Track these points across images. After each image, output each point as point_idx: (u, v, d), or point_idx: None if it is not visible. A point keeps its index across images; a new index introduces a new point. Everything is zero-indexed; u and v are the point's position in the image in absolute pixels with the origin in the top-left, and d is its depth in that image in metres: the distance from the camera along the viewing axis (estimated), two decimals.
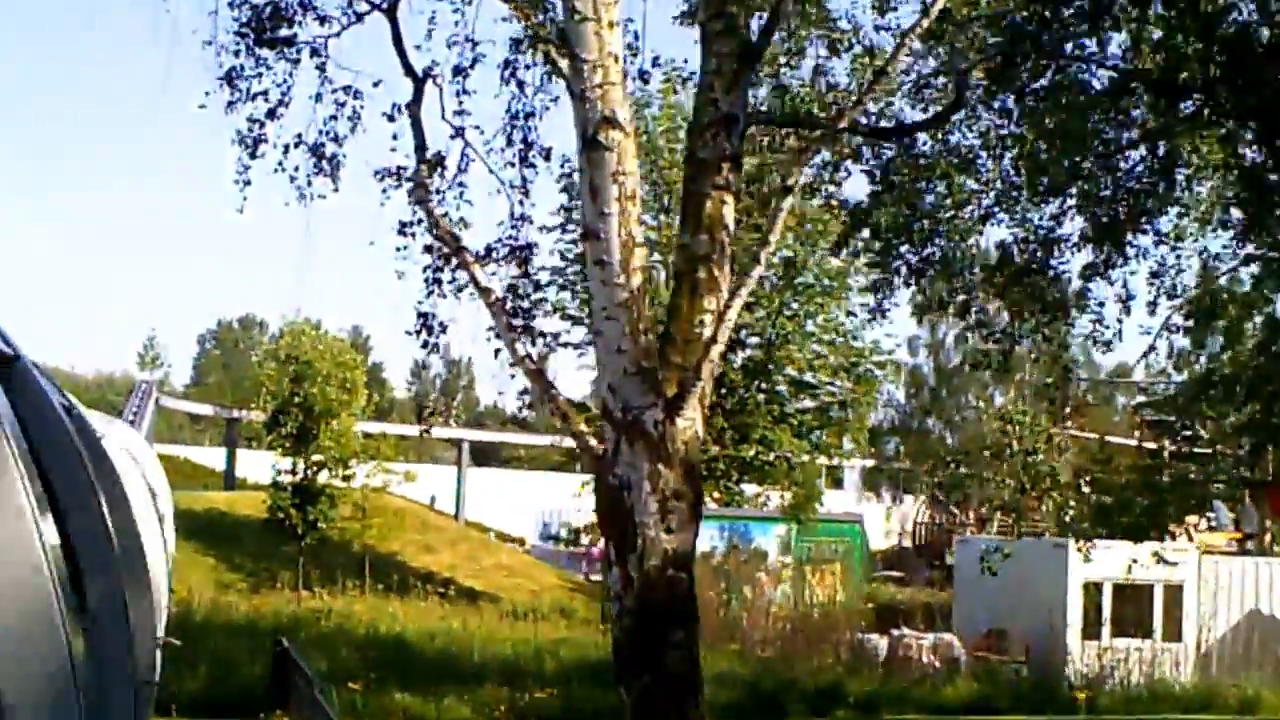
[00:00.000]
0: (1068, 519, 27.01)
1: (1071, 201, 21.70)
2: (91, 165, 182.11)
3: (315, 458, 38.57)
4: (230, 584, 43.87)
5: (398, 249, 13.96)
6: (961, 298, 23.46)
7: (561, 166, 16.62)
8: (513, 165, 14.72)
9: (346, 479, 39.47)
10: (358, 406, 40.62)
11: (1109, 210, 21.54)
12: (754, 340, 47.11)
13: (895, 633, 31.40)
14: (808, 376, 46.78)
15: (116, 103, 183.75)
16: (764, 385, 46.35)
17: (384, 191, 14.19)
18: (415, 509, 57.13)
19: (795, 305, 46.48)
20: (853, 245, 24.54)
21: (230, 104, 15.22)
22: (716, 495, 44.93)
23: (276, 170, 15.23)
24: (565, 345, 47.14)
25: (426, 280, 13.99)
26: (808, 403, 47.08)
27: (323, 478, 38.95)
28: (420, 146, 12.50)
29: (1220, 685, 29.59)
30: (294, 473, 38.65)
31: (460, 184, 14.30)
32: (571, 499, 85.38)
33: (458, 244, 11.97)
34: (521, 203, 14.66)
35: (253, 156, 15.23)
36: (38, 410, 5.67)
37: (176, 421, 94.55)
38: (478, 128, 14.43)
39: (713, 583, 35.38)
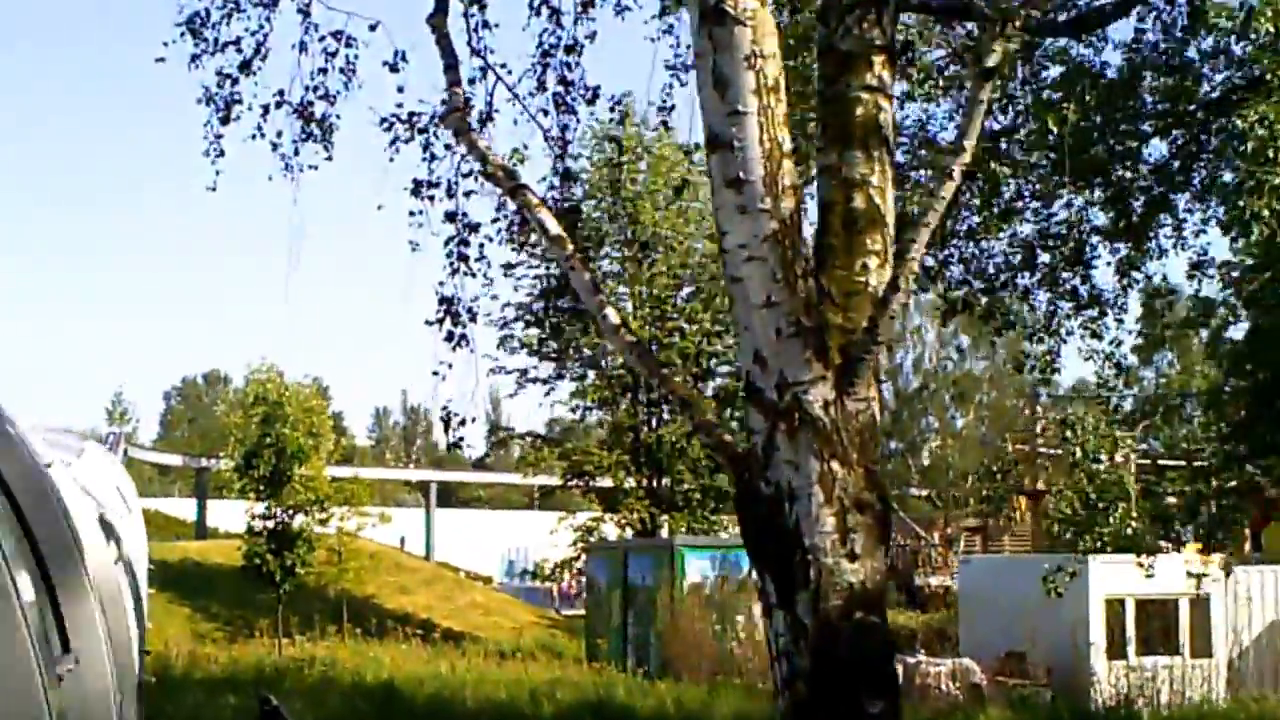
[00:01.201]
0: (1130, 531, 23.44)
1: (1100, 193, 19.03)
2: (53, 226, 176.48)
3: (290, 502, 34.64)
4: (206, 634, 40.48)
5: (411, 214, 10.40)
6: (985, 300, 20.48)
7: (611, 111, 12.87)
8: (546, 113, 11.16)
9: (323, 522, 35.62)
10: (325, 451, 36.81)
11: (1128, 203, 18.88)
12: (725, 369, 43.64)
13: (910, 660, 27.71)
14: None
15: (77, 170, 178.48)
16: (737, 414, 42.83)
17: (392, 144, 10.61)
18: (388, 551, 53.33)
19: None
20: None
21: (194, 58, 11.53)
22: (695, 526, 41.51)
23: (254, 136, 11.57)
24: (534, 381, 43.79)
25: (449, 255, 10.39)
26: None
27: (298, 522, 35.01)
28: (451, 66, 8.80)
29: (1272, 704, 26.03)
30: (270, 517, 34.71)
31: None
32: (535, 537, 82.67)
33: (515, 182, 8.26)
34: (561, 156, 11.11)
35: (224, 121, 11.54)
36: (18, 464, 5.63)
37: (145, 474, 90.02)
38: (504, 66, 10.84)
39: (704, 614, 31.96)
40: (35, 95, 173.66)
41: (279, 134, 11.57)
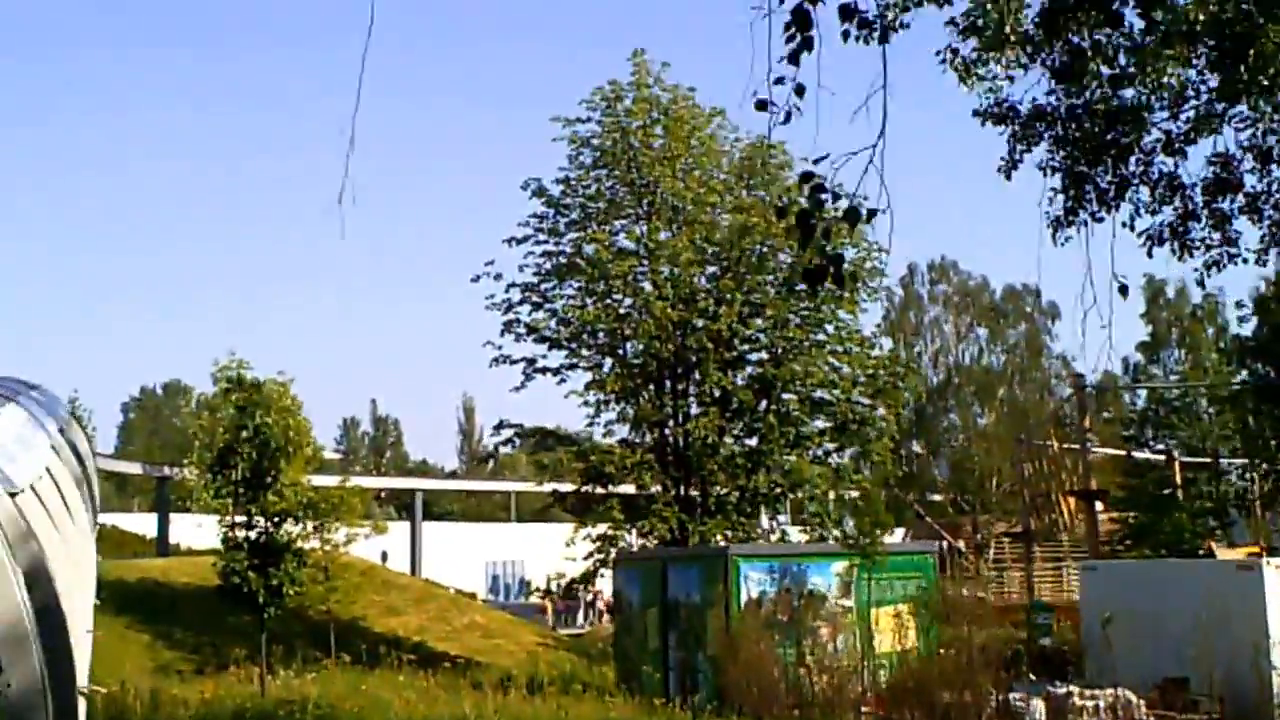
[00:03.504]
0: None
1: None
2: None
3: (276, 508, 28.09)
4: (170, 665, 34.44)
5: None
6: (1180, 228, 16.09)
7: None
8: None
9: (316, 530, 29.29)
10: (303, 457, 30.31)
11: None
12: (756, 356, 37.72)
13: (1059, 690, 21.82)
14: (822, 393, 37.33)
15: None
16: (774, 406, 36.81)
17: None
18: (377, 567, 47.15)
19: (804, 313, 37.11)
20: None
21: None
22: (730, 535, 35.50)
23: None
24: (543, 371, 37.82)
25: None
26: (821, 422, 37.63)
27: (286, 532, 28.54)
28: None
29: None
30: (251, 527, 28.12)
31: None
32: (519, 550, 76.98)
33: None
34: None
35: None
36: None
37: (102, 488, 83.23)
38: None
39: (766, 636, 25.96)
40: None
41: None
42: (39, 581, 6.48)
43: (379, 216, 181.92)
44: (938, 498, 61.69)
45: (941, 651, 25.45)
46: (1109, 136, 15.53)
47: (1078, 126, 16.28)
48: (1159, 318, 72.08)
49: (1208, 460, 52.25)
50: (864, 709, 24.78)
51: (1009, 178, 17.62)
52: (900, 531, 56.03)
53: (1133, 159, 16.24)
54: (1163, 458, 51.35)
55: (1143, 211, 16.04)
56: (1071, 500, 46.73)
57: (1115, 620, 24.88)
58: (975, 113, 17.09)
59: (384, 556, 56.00)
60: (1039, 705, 21.62)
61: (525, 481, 75.08)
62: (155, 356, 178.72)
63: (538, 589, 60.28)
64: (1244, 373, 52.16)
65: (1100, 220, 16.79)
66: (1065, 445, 47.74)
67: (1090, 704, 21.36)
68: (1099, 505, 45.18)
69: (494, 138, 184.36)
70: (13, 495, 7.17)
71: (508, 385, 37.99)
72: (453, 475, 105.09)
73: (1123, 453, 52.60)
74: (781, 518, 39.40)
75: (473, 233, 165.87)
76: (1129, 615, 24.50)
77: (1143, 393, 63.13)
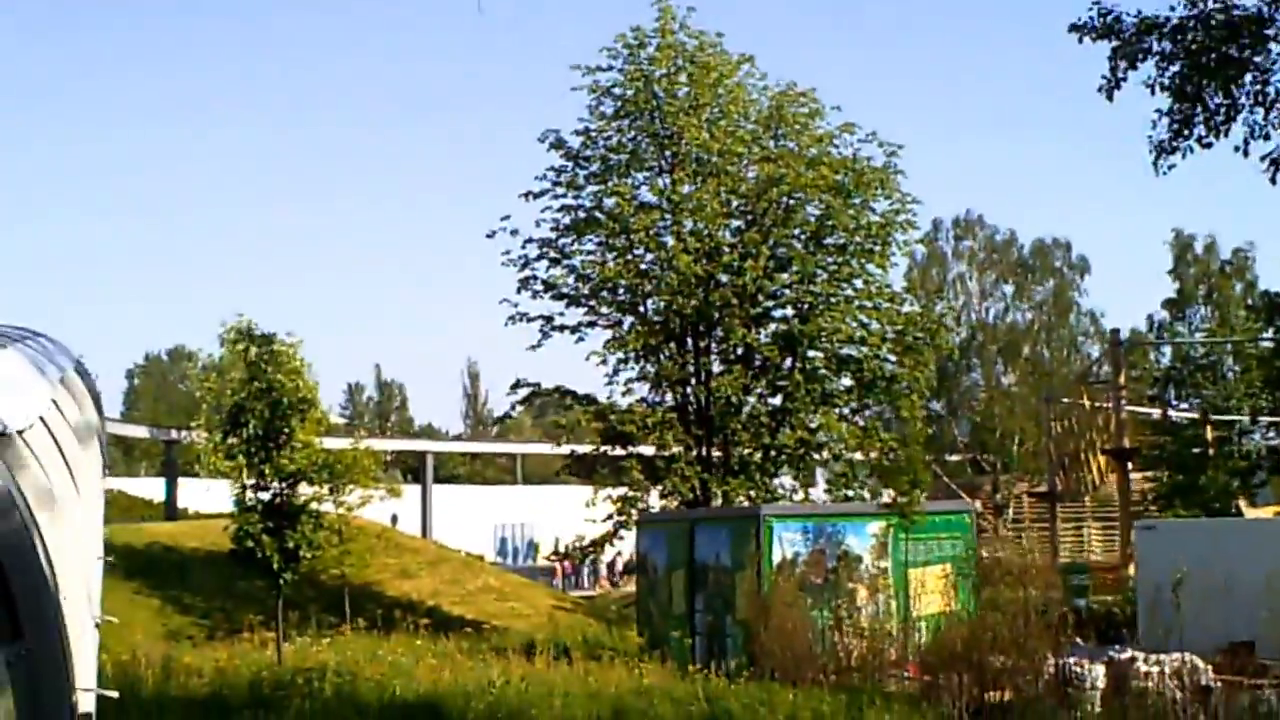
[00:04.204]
0: None
1: None
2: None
3: (290, 469, 26.82)
4: (181, 631, 33.44)
5: None
6: None
7: None
8: None
9: (333, 492, 28.04)
10: (313, 420, 29.01)
11: None
12: (781, 313, 36.34)
13: (1121, 655, 20.62)
14: (849, 350, 35.98)
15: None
16: (800, 363, 35.47)
17: None
18: (389, 530, 46.09)
19: (833, 267, 35.73)
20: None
21: None
22: (754, 495, 34.27)
23: None
24: (560, 329, 36.53)
25: None
26: (848, 380, 36.30)
27: (303, 493, 27.31)
28: None
29: None
30: (264, 489, 26.86)
31: None
32: (527, 513, 76.09)
33: None
34: None
35: None
36: None
37: (108, 453, 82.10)
38: None
39: (800, 600, 24.81)
40: None
41: None
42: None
43: (381, 176, 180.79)
44: (956, 458, 60.83)
45: (983, 613, 24.35)
46: (1224, 50, 14.18)
47: (1191, 40, 14.88)
48: (1186, 274, 71.02)
49: (1238, 418, 51.25)
50: (906, 675, 23.69)
51: (1110, 98, 16.06)
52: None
53: (1248, 76, 14.88)
54: (1194, 416, 50.42)
55: (1256, 135, 14.73)
56: (1102, 459, 45.56)
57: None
58: (1073, 27, 15.65)
59: (394, 519, 55.01)
60: (1098, 670, 20.41)
61: (531, 444, 74.15)
62: (159, 322, 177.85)
63: (555, 553, 59.22)
64: (1271, 330, 51.14)
65: (1208, 146, 15.39)
66: (1095, 403, 46.52)
67: (1155, 670, 20.12)
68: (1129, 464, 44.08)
69: (506, 91, 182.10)
70: (20, 433, 6.23)
71: (513, 349, 36.67)
72: (459, 439, 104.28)
73: (1152, 411, 51.62)
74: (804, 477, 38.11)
75: (480, 191, 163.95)
76: (1188, 576, 23.37)
77: (1167, 351, 62.16)
